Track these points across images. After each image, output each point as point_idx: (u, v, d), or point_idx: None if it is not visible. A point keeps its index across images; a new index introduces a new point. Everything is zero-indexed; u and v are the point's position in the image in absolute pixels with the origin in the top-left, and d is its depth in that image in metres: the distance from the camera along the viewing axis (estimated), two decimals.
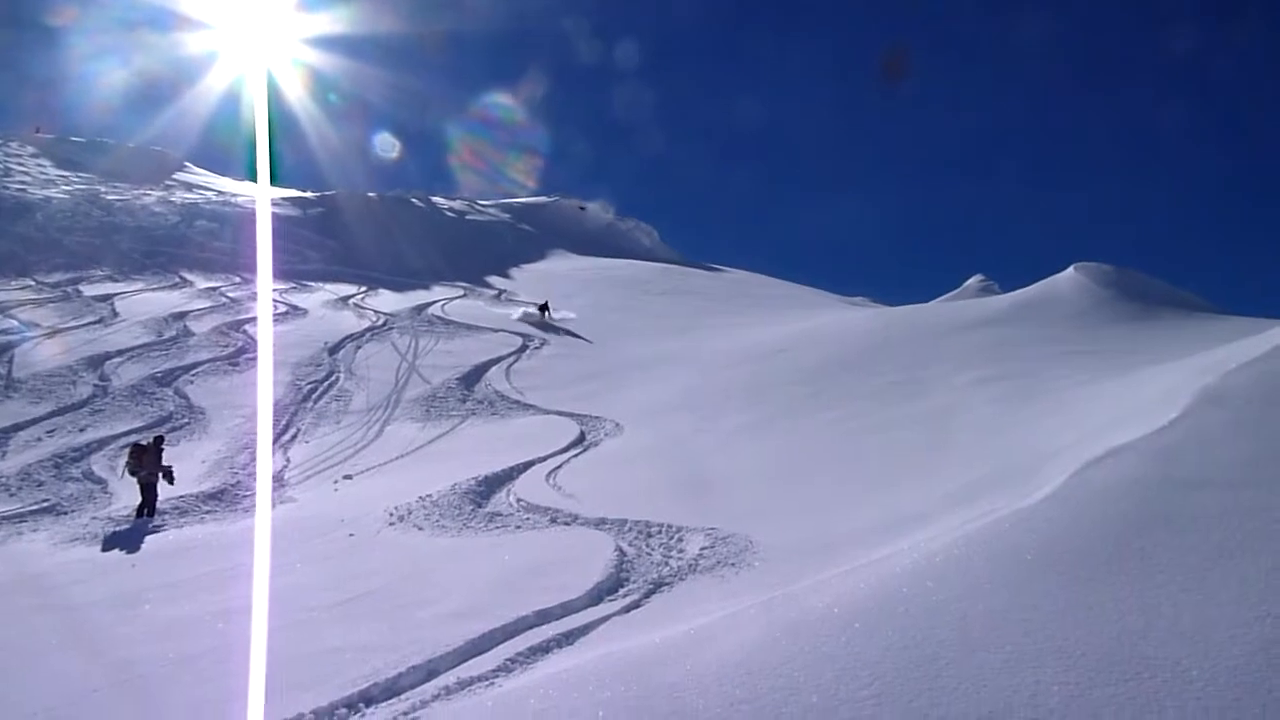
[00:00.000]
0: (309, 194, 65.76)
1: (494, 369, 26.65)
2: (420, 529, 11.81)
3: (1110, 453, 7.86)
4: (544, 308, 36.24)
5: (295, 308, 35.20)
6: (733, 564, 9.34)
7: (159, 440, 14.95)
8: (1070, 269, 30.11)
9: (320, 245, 52.40)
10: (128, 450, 14.73)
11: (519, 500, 13.04)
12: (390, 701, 5.99)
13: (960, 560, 5.95)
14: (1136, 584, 5.18)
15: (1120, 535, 5.91)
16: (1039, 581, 5.36)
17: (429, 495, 13.30)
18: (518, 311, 36.74)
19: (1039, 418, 14.08)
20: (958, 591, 5.35)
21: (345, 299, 38.79)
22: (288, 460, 17.57)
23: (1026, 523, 6.42)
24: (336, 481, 15.95)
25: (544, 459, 16.02)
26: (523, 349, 29.98)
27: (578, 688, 4.94)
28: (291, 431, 19.90)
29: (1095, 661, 4.35)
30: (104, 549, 12.23)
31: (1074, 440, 10.46)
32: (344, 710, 5.82)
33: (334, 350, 27.95)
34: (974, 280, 73.44)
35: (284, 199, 61.03)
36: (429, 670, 6.53)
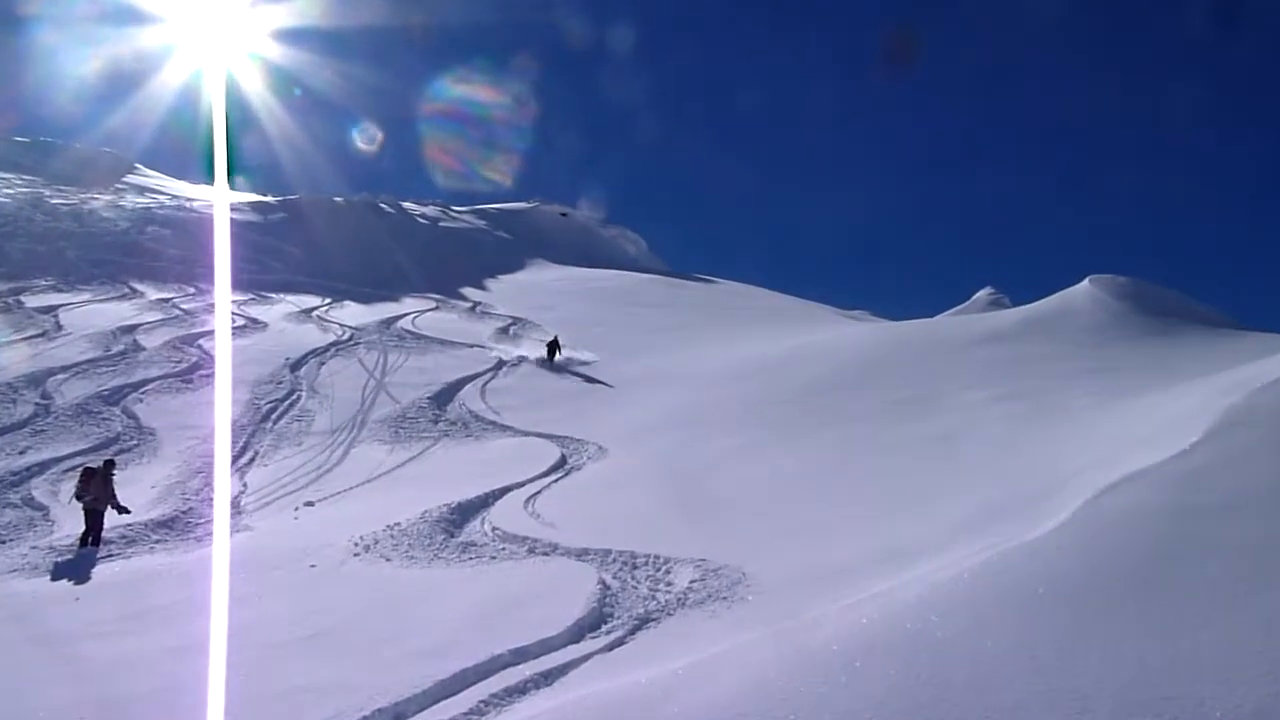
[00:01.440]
0: (270, 198, 65.63)
1: (468, 387, 26.57)
2: (388, 560, 11.74)
3: (1127, 478, 7.91)
4: (554, 346, 31.31)
5: (254, 321, 35.04)
6: (725, 598, 9.32)
7: (109, 464, 14.82)
8: (1085, 282, 30.34)
9: (282, 253, 52.27)
10: (80, 474, 14.63)
11: (495, 529, 12.99)
12: None
13: (968, 594, 5.97)
14: (1155, 618, 5.20)
15: (1138, 567, 5.95)
16: (1051, 617, 5.38)
17: (397, 523, 13.22)
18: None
19: (1051, 441, 14.15)
20: (965, 627, 5.36)
21: (308, 311, 38.63)
22: (245, 485, 17.45)
23: (1038, 554, 6.45)
24: (297, 508, 15.84)
25: (522, 484, 15.97)
26: (499, 366, 29.90)
27: None
28: (249, 454, 19.76)
29: (1111, 702, 4.37)
30: (45, 581, 12.10)
31: (1088, 465, 10.52)
32: None
33: (296, 366, 27.81)
34: (983, 293, 73.87)
35: (243, 203, 60.89)
36: (395, 713, 6.50)
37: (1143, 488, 7.57)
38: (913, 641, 5.26)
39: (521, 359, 30.95)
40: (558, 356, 30.73)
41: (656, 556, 10.75)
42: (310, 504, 16.08)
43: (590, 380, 27.29)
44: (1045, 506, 8.44)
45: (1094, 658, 4.78)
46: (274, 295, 41.94)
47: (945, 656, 4.97)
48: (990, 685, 4.60)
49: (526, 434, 21.17)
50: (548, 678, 7.13)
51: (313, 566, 11.57)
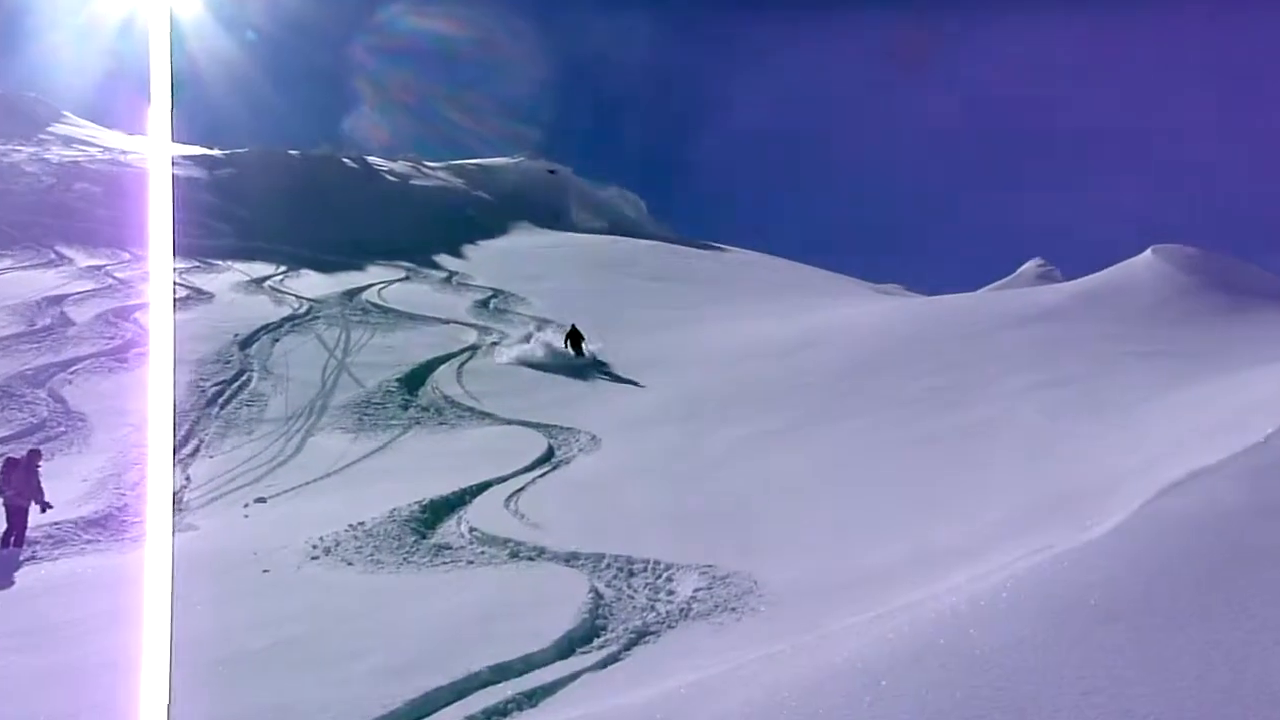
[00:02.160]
0: (216, 151, 65.53)
1: (443, 369, 26.61)
2: (350, 564, 11.79)
3: (1193, 475, 7.92)
4: (574, 337, 28.97)
5: (199, 291, 35.05)
6: (733, 608, 9.35)
7: (34, 455, 14.84)
8: (1147, 252, 30.33)
9: (230, 215, 52.22)
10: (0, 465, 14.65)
11: (472, 530, 13.03)
12: None
13: (1009, 606, 5.99)
14: (1222, 634, 5.22)
15: (1203, 576, 5.96)
16: (1103, 632, 5.40)
17: (362, 523, 13.27)
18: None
19: (1105, 433, 14.18)
20: (1006, 643, 5.38)
21: (260, 281, 38.67)
22: (188, 479, 17.49)
23: (1089, 561, 6.47)
24: (248, 505, 15.89)
25: (504, 479, 16.02)
26: (478, 345, 29.93)
27: None
28: (193, 443, 19.80)
29: None
30: None
31: (1148, 460, 10.54)
32: None
33: (246, 344, 27.83)
34: (1030, 265, 74.00)
35: (186, 157, 60.78)
36: None
37: (1212, 485, 7.57)
38: (946, 658, 5.28)
39: (546, 345, 28.68)
40: (586, 351, 28.41)
41: (656, 562, 10.79)
42: (262, 500, 16.12)
43: (618, 380, 26.10)
44: (1098, 507, 8.46)
45: (1152, 680, 4.80)
46: (221, 262, 41.94)
47: (983, 675, 4.99)
48: (1034, 708, 4.63)
49: (509, 422, 21.20)
50: (532, 698, 7.17)
51: (265, 571, 11.62)
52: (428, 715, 6.91)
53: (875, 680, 5.17)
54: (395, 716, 6.83)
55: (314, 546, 12.41)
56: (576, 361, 27.82)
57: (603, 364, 27.48)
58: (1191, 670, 4.88)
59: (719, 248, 65.73)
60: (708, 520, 13.10)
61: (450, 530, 13.24)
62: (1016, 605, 5.98)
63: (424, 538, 12.83)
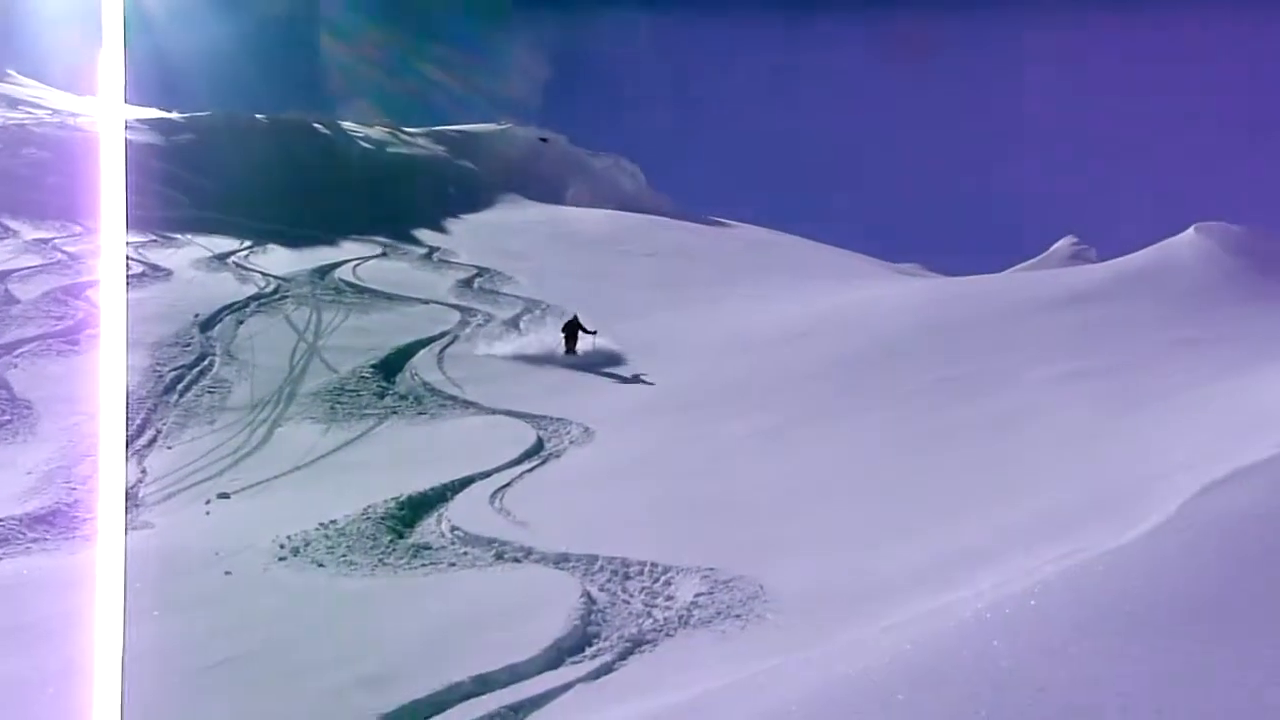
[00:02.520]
0: (175, 115, 65.29)
1: (422, 354, 26.56)
2: (321, 566, 11.79)
3: (1239, 473, 7.93)
4: (573, 330, 27.58)
5: (155, 268, 34.95)
6: (737, 615, 9.36)
7: None
8: (1190, 230, 30.27)
9: (190, 184, 52.05)
10: None
11: (454, 529, 13.03)
12: None
13: (1038, 613, 6.00)
14: (1270, 645, 5.22)
15: (1248, 581, 5.96)
16: (1142, 641, 5.40)
17: (333, 521, 13.26)
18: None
19: (1145, 427, 14.18)
20: (1036, 656, 5.38)
21: (223, 257, 38.56)
22: (144, 472, 17.45)
23: (1126, 564, 6.47)
24: (209, 501, 15.86)
25: (488, 474, 16.00)
26: (462, 327, 29.89)
27: None
28: (149, 434, 19.75)
29: None
30: None
31: (1190, 457, 10.55)
32: None
33: (207, 326, 27.75)
34: (1063, 243, 74.03)
35: (141, 121, 60.55)
36: None
37: (1259, 484, 7.58)
38: (969, 672, 5.28)
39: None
40: (581, 344, 27.29)
41: (654, 565, 10.79)
42: (225, 496, 16.09)
43: (625, 381, 25.06)
44: (1136, 507, 8.46)
45: (1198, 691, 4.80)
46: (180, 236, 41.80)
47: (1010, 691, 4.98)
48: None
49: (494, 412, 21.18)
50: (518, 712, 7.19)
51: (228, 573, 11.60)
52: None
53: (891, 695, 5.17)
54: None
55: (281, 547, 12.39)
56: (568, 358, 26.75)
57: (609, 355, 26.97)
58: (1240, 679, 4.87)
59: (723, 223, 65.60)
60: (709, 521, 13.10)
61: (430, 529, 13.23)
62: (1045, 613, 5.98)
63: (401, 537, 12.82)
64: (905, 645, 5.92)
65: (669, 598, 10.01)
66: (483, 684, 7.68)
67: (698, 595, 9.90)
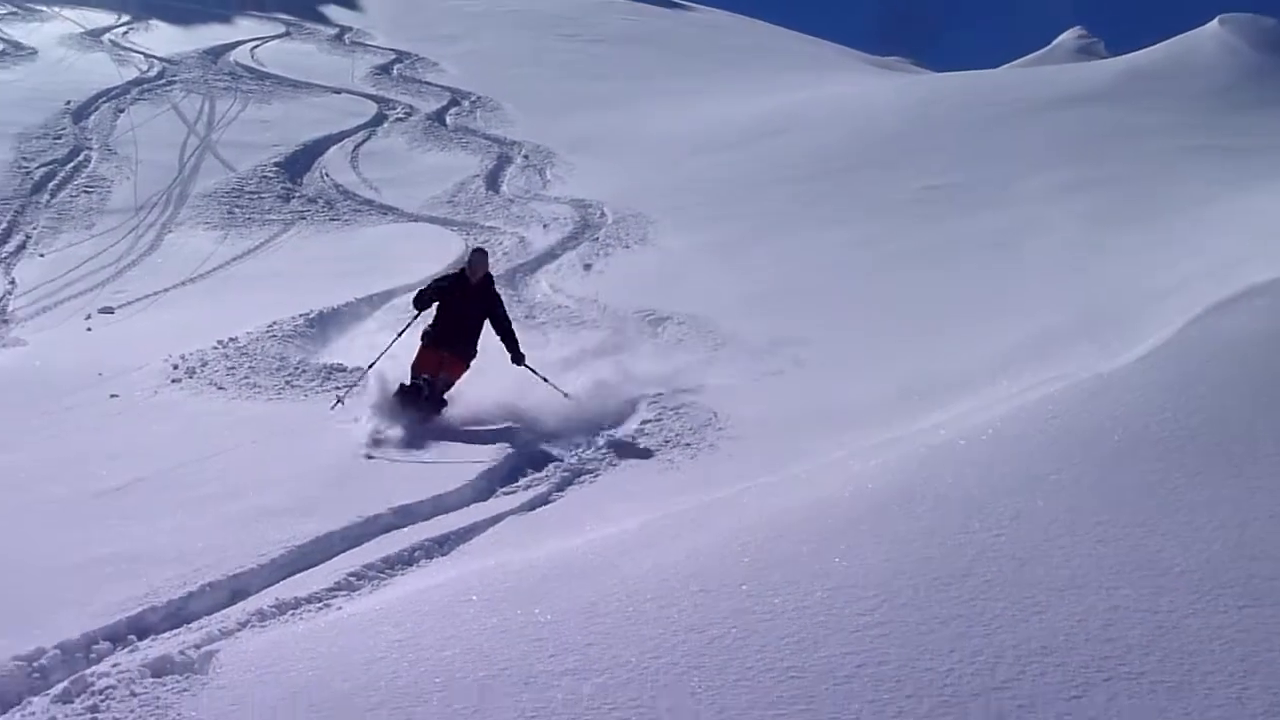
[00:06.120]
0: None
1: (334, 150, 26.18)
2: (221, 389, 11.76)
3: (1249, 291, 8.02)
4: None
5: (17, 46, 33.88)
6: (687, 444, 9.55)
7: None
8: (1213, 23, 30.06)
9: None
10: None
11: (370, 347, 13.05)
12: (175, 631, 6.04)
13: (1017, 440, 6.13)
14: (1266, 478, 5.36)
15: (1254, 409, 6.07)
16: (1128, 472, 5.52)
17: (234, 339, 13.20)
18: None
19: (1149, 243, 14.34)
20: (1013, 484, 5.50)
21: (98, 34, 37.38)
22: (13, 283, 17.26)
23: (1117, 389, 6.59)
24: (90, 316, 15.75)
25: (411, 288, 15.94)
26: (379, 120, 29.39)
27: (453, 610, 5.05)
28: (17, 239, 19.47)
29: (1198, 581, 4.50)
30: None
31: (1197, 274, 10.71)
32: (106, 644, 5.86)
33: (81, 115, 27.11)
34: (1068, 36, 73.33)
35: None
36: (234, 589, 6.59)
37: (1270, 305, 7.68)
38: (935, 501, 5.38)
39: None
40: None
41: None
42: (109, 310, 15.98)
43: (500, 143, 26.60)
44: (1132, 330, 8.61)
45: (1183, 526, 4.91)
46: (45, 8, 40.42)
47: (982, 519, 5.09)
48: (1039, 555, 4.75)
49: (416, 218, 21.03)
50: (443, 545, 7.25)
51: (114, 396, 11.56)
52: (314, 565, 6.96)
53: (854, 522, 5.28)
54: (275, 566, 6.87)
55: (174, 367, 12.31)
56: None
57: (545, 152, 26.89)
58: (1232, 515, 4.97)
59: (682, 5, 64.19)
60: (656, 342, 13.26)
61: (343, 348, 13.25)
62: (1025, 440, 6.10)
63: (311, 358, 12.83)
64: (866, 475, 6.05)
65: (611, 425, 10.19)
66: (404, 515, 7.71)
67: (644, 423, 10.06)
